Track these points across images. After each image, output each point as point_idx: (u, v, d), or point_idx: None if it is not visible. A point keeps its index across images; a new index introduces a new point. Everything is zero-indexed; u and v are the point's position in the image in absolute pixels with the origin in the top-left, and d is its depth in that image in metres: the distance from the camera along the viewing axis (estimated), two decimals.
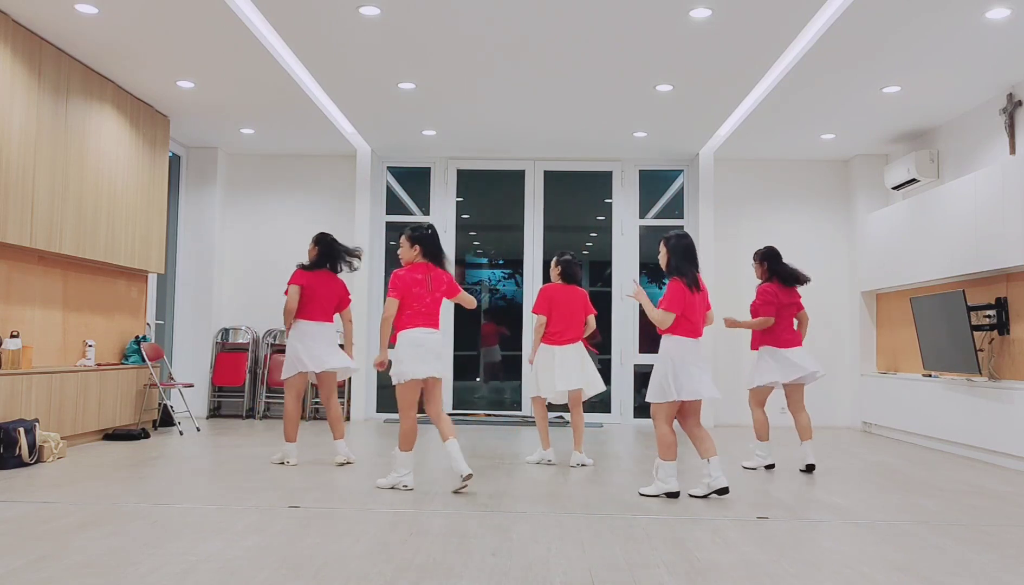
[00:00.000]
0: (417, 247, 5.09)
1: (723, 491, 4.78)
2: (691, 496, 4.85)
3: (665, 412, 4.87)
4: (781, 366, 5.96)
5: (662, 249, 5.08)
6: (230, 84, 7.36)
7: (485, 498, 4.73)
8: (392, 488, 4.97)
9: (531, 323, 9.78)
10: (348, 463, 5.94)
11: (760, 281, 6.21)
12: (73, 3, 5.70)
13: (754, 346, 6.11)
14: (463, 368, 10.01)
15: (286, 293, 5.88)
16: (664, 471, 4.82)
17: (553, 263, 6.33)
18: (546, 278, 9.83)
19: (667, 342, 4.92)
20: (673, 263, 4.98)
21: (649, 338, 9.85)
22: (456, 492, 4.88)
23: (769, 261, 6.13)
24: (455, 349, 9.89)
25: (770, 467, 6.01)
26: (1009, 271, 6.73)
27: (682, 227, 9.89)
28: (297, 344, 5.85)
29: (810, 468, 5.88)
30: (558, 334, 6.11)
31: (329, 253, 5.98)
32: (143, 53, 6.63)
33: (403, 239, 5.14)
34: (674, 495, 4.81)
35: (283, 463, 5.91)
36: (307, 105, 7.91)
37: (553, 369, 6.03)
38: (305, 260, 6.07)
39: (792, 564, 3.41)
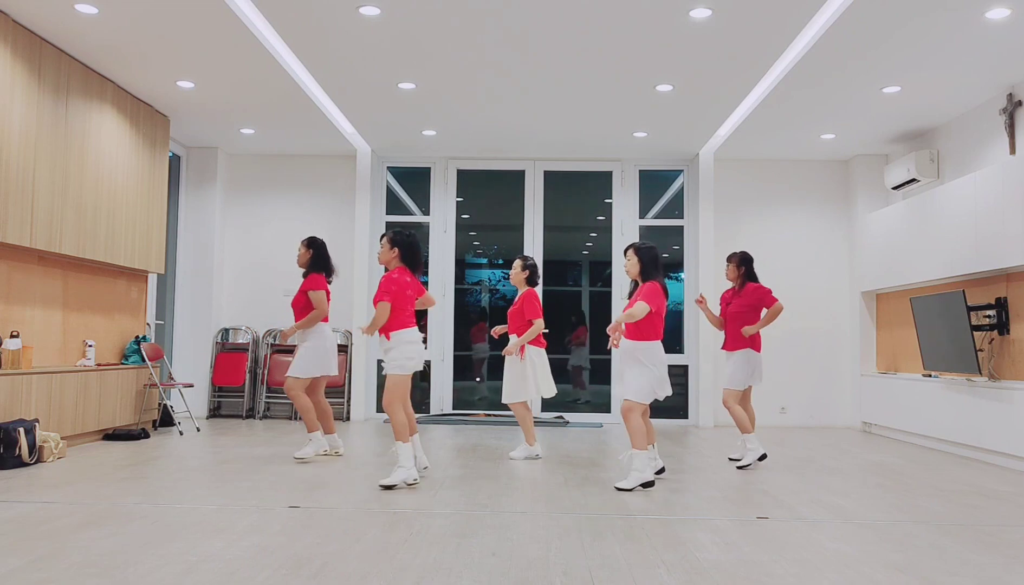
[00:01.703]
0: (396, 250, 5.30)
1: (650, 484, 5.14)
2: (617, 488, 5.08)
3: (644, 408, 5.21)
4: (756, 370, 6.24)
5: (633, 256, 5.34)
6: (230, 84, 7.36)
7: (485, 498, 4.73)
8: (398, 485, 4.99)
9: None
10: (339, 454, 6.32)
11: (733, 283, 6.41)
12: (73, 3, 5.70)
13: (738, 346, 6.22)
14: (462, 368, 10.01)
15: (302, 298, 6.18)
16: (640, 461, 5.11)
17: (519, 267, 6.44)
18: (546, 279, 9.84)
19: (650, 347, 5.18)
20: (649, 270, 5.29)
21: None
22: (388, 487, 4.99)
23: (746, 265, 6.35)
24: (455, 349, 9.90)
25: (763, 458, 6.17)
26: (1009, 271, 6.73)
27: (682, 228, 9.91)
28: (321, 346, 6.16)
29: (763, 457, 6.22)
30: (542, 337, 6.36)
31: (325, 257, 6.35)
32: (143, 53, 6.63)
33: (384, 240, 5.35)
34: (650, 484, 5.12)
35: (326, 453, 6.20)
36: (307, 105, 7.91)
37: (545, 372, 6.30)
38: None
39: (792, 564, 3.41)
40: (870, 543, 3.80)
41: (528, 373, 6.23)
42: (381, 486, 4.97)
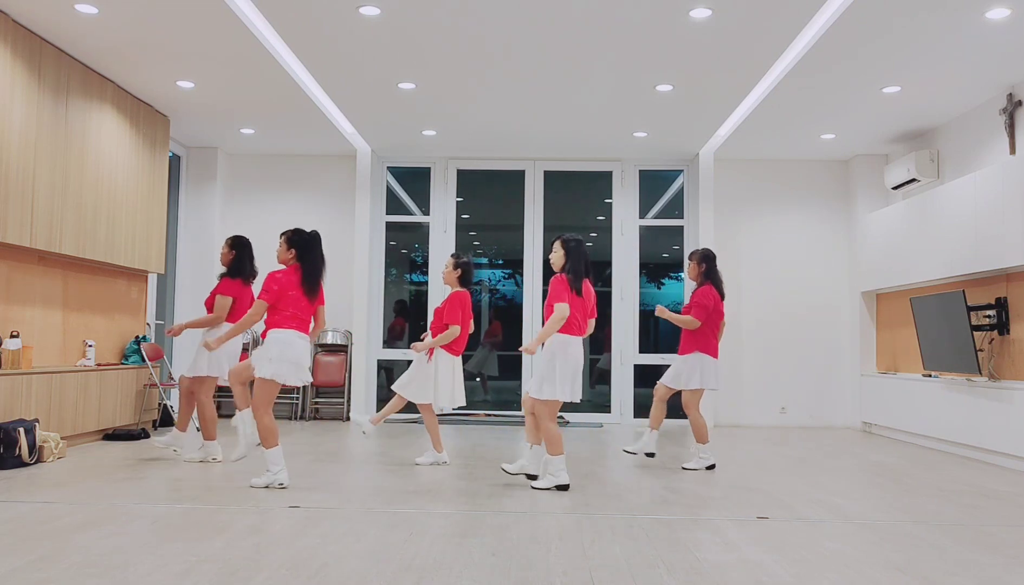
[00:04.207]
0: (293, 251, 5.06)
1: (565, 487, 5.01)
2: (533, 487, 5.05)
3: (554, 409, 5.06)
4: (707, 375, 5.97)
5: (559, 249, 5.19)
6: (230, 84, 7.36)
7: (485, 498, 4.73)
8: (267, 487, 4.89)
9: (531, 324, 9.79)
10: (216, 460, 5.97)
11: (694, 281, 6.18)
12: (73, 3, 5.70)
13: (686, 350, 6.00)
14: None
15: (210, 302, 5.95)
16: (555, 466, 5.01)
17: (451, 265, 6.00)
18: (546, 278, 9.84)
19: (558, 340, 5.04)
20: (569, 265, 5.12)
21: (649, 338, 9.85)
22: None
23: (707, 263, 6.12)
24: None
25: (711, 467, 5.98)
26: (1009, 271, 6.73)
27: (682, 228, 9.91)
28: (218, 348, 5.81)
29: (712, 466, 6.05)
30: (459, 343, 5.96)
31: (245, 260, 6.07)
32: (143, 53, 6.63)
33: (282, 239, 5.09)
34: (564, 487, 5.01)
35: (205, 461, 5.93)
36: (307, 105, 7.90)
37: (453, 382, 5.93)
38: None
39: (792, 564, 3.41)
40: (870, 543, 3.80)
41: (436, 377, 5.86)
42: (251, 486, 4.92)
